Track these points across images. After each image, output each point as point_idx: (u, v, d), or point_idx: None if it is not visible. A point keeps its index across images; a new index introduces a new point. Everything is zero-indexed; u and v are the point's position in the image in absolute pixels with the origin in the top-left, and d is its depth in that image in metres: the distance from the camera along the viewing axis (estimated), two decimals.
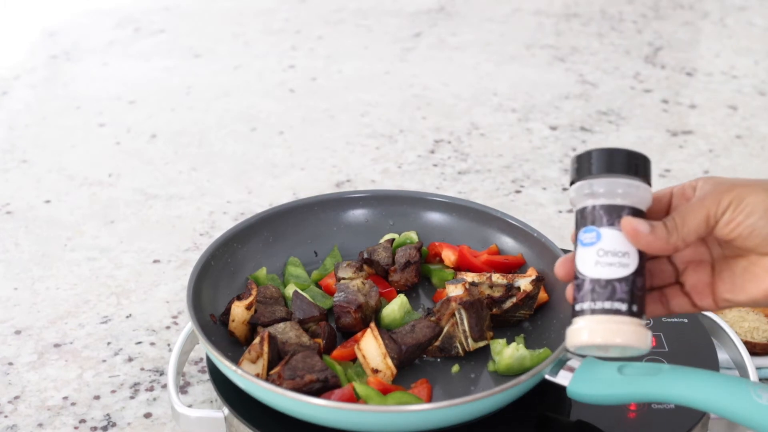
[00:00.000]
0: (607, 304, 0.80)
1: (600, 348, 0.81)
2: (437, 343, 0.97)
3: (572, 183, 0.83)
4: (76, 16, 2.37)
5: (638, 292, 0.80)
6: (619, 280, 0.80)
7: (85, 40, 2.21)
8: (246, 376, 0.87)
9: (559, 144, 1.68)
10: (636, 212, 0.81)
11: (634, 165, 0.81)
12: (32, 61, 2.10)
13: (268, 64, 2.06)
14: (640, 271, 0.80)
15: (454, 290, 0.99)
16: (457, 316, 0.96)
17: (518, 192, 1.52)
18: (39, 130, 1.78)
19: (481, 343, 0.97)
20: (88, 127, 1.78)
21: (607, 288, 0.80)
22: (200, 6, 2.43)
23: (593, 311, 0.80)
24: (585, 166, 0.82)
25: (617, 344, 0.79)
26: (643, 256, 0.81)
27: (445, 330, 0.97)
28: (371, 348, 0.94)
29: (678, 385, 0.84)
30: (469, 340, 0.97)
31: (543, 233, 1.08)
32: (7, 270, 1.34)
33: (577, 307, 0.81)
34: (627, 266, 0.80)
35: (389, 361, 0.93)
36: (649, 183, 0.82)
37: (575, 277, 0.82)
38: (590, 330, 0.80)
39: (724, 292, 0.82)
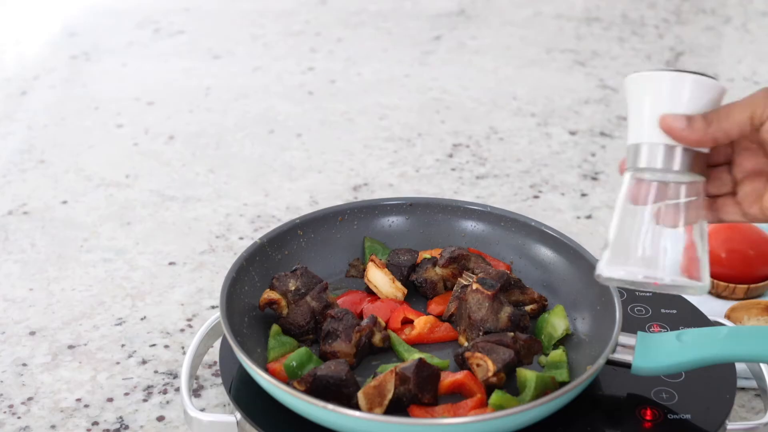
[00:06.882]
0: None
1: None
2: None
3: None
4: (96, 17, 2.37)
5: None
6: None
7: (105, 41, 2.22)
8: (275, 383, 0.87)
9: (578, 149, 1.67)
10: None
11: None
12: (52, 61, 2.11)
13: (287, 66, 2.06)
14: None
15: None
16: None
17: (536, 197, 1.51)
18: (57, 131, 1.78)
19: None
20: (106, 128, 1.79)
21: None
22: (220, 7, 2.43)
23: None
24: None
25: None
26: None
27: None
28: (378, 277, 1.05)
29: (744, 343, 0.84)
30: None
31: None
32: (23, 270, 1.34)
33: None
34: None
35: (398, 284, 1.06)
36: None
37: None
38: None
39: None
